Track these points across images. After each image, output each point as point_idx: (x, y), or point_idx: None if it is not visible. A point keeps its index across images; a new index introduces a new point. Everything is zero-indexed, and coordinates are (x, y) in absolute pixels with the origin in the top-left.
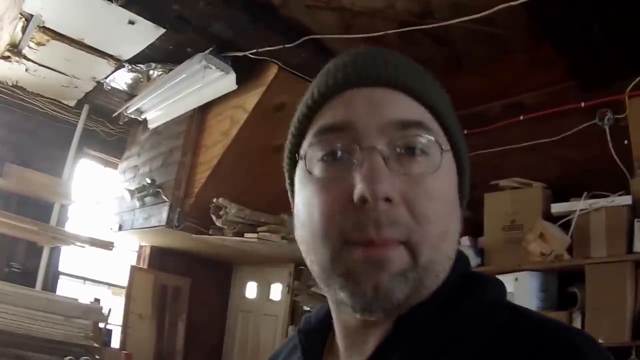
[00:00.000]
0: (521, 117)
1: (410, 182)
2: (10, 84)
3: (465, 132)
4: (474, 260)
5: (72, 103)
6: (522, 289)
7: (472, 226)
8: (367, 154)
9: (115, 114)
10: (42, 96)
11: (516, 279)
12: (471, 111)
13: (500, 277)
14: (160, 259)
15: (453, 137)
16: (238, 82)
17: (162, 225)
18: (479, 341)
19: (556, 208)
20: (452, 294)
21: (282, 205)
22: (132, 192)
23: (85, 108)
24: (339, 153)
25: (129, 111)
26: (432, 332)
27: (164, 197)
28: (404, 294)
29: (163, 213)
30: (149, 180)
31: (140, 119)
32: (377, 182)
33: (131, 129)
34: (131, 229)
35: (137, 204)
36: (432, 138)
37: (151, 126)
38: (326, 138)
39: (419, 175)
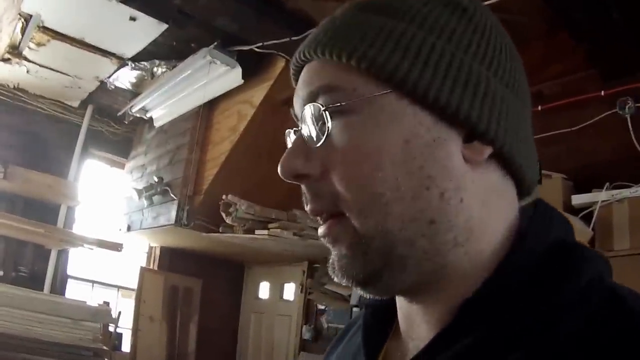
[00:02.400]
0: (539, 108)
1: (328, 150)
2: (12, 87)
3: None
4: None
5: (76, 104)
6: None
7: None
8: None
9: (120, 113)
10: (45, 98)
11: None
12: None
13: None
14: (170, 260)
15: (389, 67)
16: (244, 76)
17: (171, 224)
18: (562, 335)
19: (577, 200)
20: (536, 272)
21: (294, 201)
22: (139, 192)
23: (90, 108)
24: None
25: (133, 110)
26: (503, 322)
27: (172, 195)
28: (362, 268)
29: (172, 212)
30: (156, 179)
31: (145, 118)
32: (284, 163)
33: (137, 128)
34: (140, 229)
35: (145, 203)
36: (335, 98)
37: (157, 124)
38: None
39: (334, 142)
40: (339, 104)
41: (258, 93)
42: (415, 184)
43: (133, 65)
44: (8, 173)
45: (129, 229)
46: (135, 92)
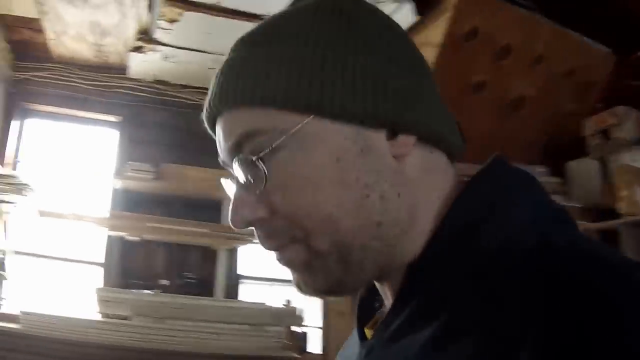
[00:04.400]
0: None
1: (269, 192)
2: (151, 80)
3: None
4: None
5: None
6: None
7: None
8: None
9: None
10: (189, 86)
11: None
12: None
13: None
14: None
15: (303, 97)
16: (418, 12)
17: None
18: (491, 282)
19: None
20: (463, 230)
21: (489, 152)
22: None
23: None
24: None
25: None
26: (441, 278)
27: None
28: (325, 280)
29: None
30: None
31: None
32: (233, 216)
33: None
34: None
35: None
36: (260, 143)
37: None
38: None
39: (272, 182)
40: (268, 149)
41: (436, 30)
42: (356, 195)
43: None
44: (160, 172)
45: None
46: None
